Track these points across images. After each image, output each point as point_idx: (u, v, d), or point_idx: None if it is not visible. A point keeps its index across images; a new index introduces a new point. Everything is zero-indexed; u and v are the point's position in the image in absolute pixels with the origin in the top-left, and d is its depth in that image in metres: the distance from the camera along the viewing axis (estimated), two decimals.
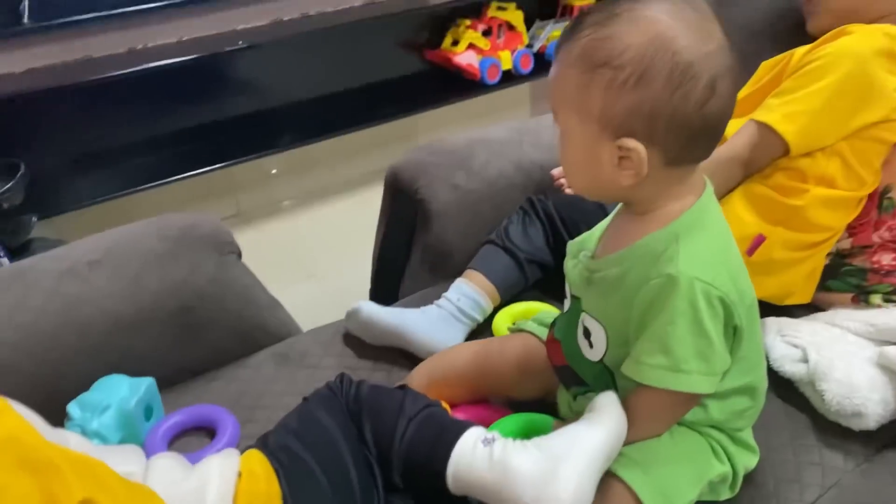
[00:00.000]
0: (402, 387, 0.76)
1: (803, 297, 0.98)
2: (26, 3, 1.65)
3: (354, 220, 2.07)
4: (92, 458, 0.54)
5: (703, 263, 0.62)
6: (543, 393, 0.83)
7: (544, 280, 1.05)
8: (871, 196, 0.96)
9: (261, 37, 1.90)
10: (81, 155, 1.83)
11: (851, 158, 0.93)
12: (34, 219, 1.54)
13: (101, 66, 1.74)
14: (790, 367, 0.84)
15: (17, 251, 1.49)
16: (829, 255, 0.98)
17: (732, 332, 0.65)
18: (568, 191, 1.02)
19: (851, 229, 0.97)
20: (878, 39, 0.91)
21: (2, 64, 1.69)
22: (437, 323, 0.94)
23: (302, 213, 2.12)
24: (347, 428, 0.69)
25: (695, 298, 0.61)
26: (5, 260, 1.45)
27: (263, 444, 0.69)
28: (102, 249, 0.92)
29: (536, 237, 1.03)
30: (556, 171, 1.09)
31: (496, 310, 1.00)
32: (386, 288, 1.18)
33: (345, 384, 0.74)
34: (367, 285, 1.37)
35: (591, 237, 0.74)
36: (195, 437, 0.85)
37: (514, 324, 0.91)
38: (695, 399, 0.66)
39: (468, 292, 0.97)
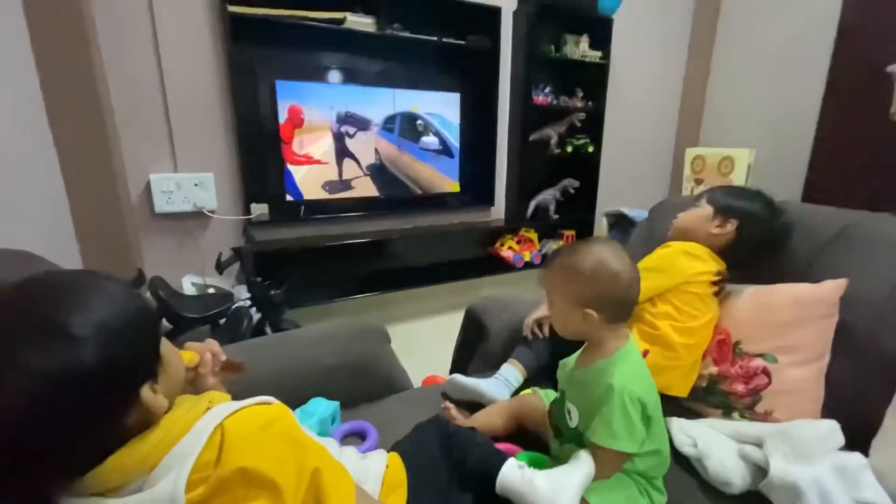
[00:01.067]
0: (472, 427, 0.74)
1: (681, 391, 0.90)
2: (303, 207, 1.83)
3: (440, 330, 2.05)
4: (319, 443, 0.53)
5: (628, 378, 0.62)
6: (543, 430, 0.79)
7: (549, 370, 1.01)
8: (728, 344, 0.90)
9: (407, 233, 1.99)
10: (314, 280, 1.90)
11: (678, 302, 0.90)
12: (287, 309, 1.59)
13: (330, 239, 1.85)
14: (687, 449, 0.79)
15: (275, 326, 1.53)
16: (705, 377, 0.91)
17: (647, 419, 0.63)
18: (528, 334, 0.96)
19: (716, 362, 0.91)
20: (682, 246, 0.93)
21: (286, 233, 1.84)
22: (496, 387, 0.92)
23: (415, 322, 2.12)
24: (441, 447, 0.67)
25: (623, 398, 0.61)
26: (269, 330, 1.50)
27: (396, 449, 0.68)
28: (326, 332, 0.96)
29: (543, 346, 1.00)
30: (526, 323, 0.98)
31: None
32: (460, 369, 1.16)
33: (440, 422, 0.72)
34: (446, 365, 1.34)
35: (571, 360, 0.74)
36: (354, 438, 0.84)
37: (532, 390, 0.89)
38: (627, 455, 0.64)
39: (512, 372, 0.95)
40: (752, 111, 2.38)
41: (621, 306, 0.63)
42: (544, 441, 0.79)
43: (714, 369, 0.92)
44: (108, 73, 1.45)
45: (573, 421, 0.69)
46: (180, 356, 0.51)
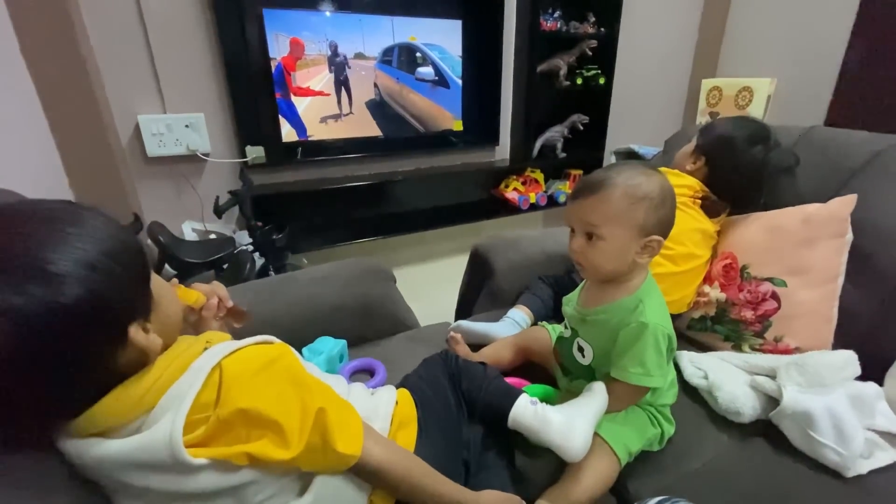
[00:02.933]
0: (482, 363, 0.72)
1: (678, 307, 0.90)
2: (300, 149, 1.76)
3: (443, 272, 2.10)
4: (323, 382, 0.52)
5: (658, 315, 0.60)
6: (550, 363, 0.79)
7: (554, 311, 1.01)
8: (735, 269, 0.88)
9: (408, 175, 1.94)
10: (315, 225, 1.89)
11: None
12: (289, 253, 1.58)
13: (330, 182, 1.81)
14: (696, 381, 0.78)
15: (277, 269, 1.53)
16: (713, 305, 0.89)
17: (670, 352, 0.61)
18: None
19: (723, 287, 0.88)
20: (663, 168, 0.88)
21: (284, 177, 1.80)
22: (505, 329, 0.91)
23: (417, 266, 2.13)
24: (451, 381, 0.66)
25: (657, 336, 0.59)
26: (272, 274, 1.50)
27: (405, 384, 0.67)
28: (328, 271, 0.95)
29: (547, 292, 1.00)
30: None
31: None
32: (465, 309, 1.16)
33: (449, 356, 0.71)
34: (452, 308, 1.35)
35: (572, 297, 0.72)
36: (363, 375, 0.84)
37: (540, 324, 0.88)
38: (647, 390, 0.63)
39: (520, 315, 0.94)
40: (774, 39, 2.20)
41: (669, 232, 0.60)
42: (551, 373, 0.79)
43: (721, 295, 0.89)
44: (84, 9, 1.32)
45: (586, 359, 0.67)
46: (176, 294, 0.48)
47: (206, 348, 0.44)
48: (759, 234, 0.84)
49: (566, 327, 0.72)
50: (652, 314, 0.60)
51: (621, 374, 0.61)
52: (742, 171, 0.89)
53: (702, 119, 2.09)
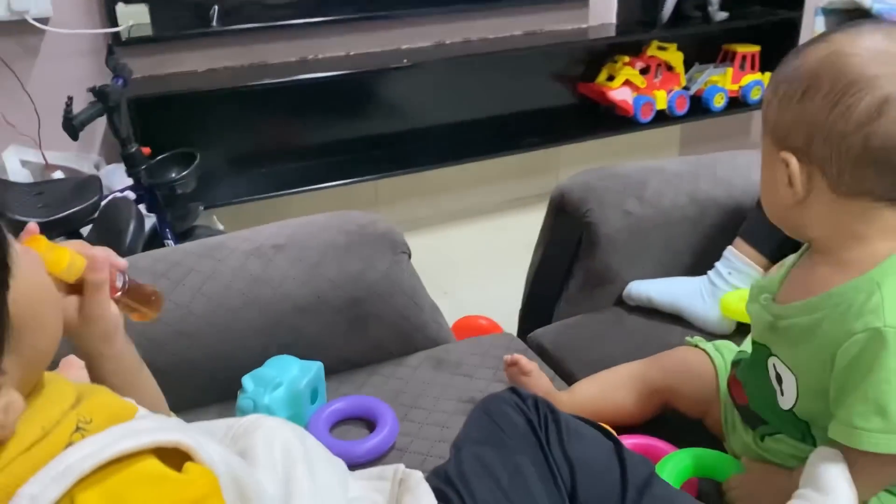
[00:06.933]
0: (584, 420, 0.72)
1: None
2: (216, 8, 1.77)
3: (489, 243, 2.12)
4: None
5: None
6: (700, 408, 0.82)
7: None
8: None
9: (423, 56, 1.96)
10: (245, 154, 1.92)
11: None
12: (201, 207, 1.60)
13: (274, 72, 1.83)
14: None
15: (182, 236, 1.55)
16: None
17: None
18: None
19: None
20: None
21: (188, 62, 1.82)
22: (710, 300, 1.01)
23: (438, 232, 2.15)
24: (542, 454, 0.64)
25: None
26: (171, 242, 1.52)
27: (449, 469, 0.64)
28: (286, 235, 0.96)
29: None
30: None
31: None
32: (539, 309, 1.17)
33: (529, 401, 0.69)
34: (497, 305, 1.37)
35: (773, 280, 0.72)
36: (354, 427, 0.86)
37: (693, 338, 0.89)
38: None
39: (741, 263, 1.00)
40: None
41: (860, 159, 0.60)
42: (710, 429, 0.80)
43: None
44: None
45: (786, 395, 0.68)
46: (50, 283, 0.47)
47: (70, 442, 0.42)
48: None
49: (751, 340, 0.73)
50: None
51: (847, 434, 0.61)
52: None
53: None
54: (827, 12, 2.27)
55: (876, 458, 0.60)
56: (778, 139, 0.64)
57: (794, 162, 0.62)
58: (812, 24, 2.30)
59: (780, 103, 0.63)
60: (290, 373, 0.84)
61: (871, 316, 0.59)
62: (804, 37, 2.29)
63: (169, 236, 1.53)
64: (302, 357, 0.87)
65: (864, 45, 0.59)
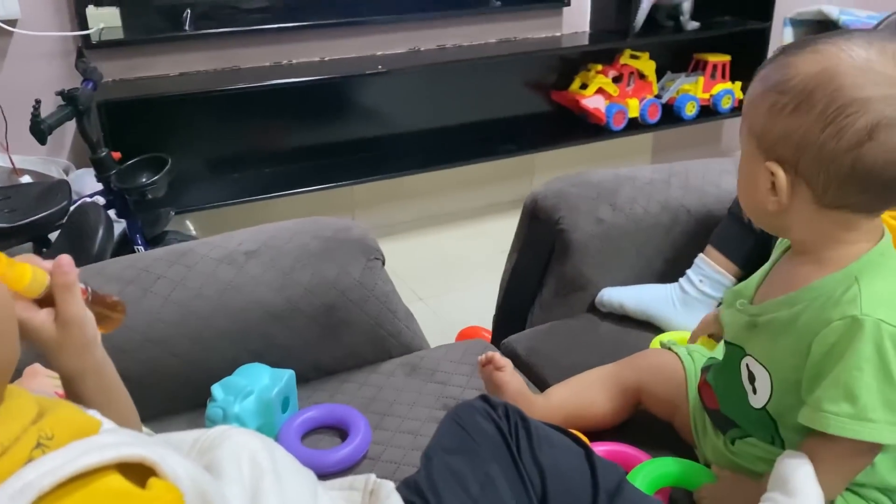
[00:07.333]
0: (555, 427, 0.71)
1: None
2: (189, 11, 1.77)
3: (464, 248, 2.12)
4: None
5: (887, 305, 0.60)
6: (673, 413, 0.82)
7: None
8: None
9: (398, 62, 1.96)
10: (218, 158, 1.92)
11: None
12: (172, 212, 1.60)
13: (247, 76, 1.83)
14: None
15: (153, 241, 1.55)
16: None
17: None
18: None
19: None
20: None
21: (160, 65, 1.81)
22: (684, 303, 1.01)
23: (413, 238, 2.15)
24: (513, 463, 0.64)
25: (882, 343, 0.59)
26: (141, 248, 1.52)
27: (419, 478, 0.63)
28: (259, 241, 0.96)
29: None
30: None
31: None
32: (512, 315, 1.17)
33: (499, 409, 0.68)
34: (473, 311, 1.37)
35: (748, 286, 0.73)
36: (327, 436, 0.86)
37: (666, 341, 0.89)
38: (874, 452, 0.63)
39: (712, 271, 1.01)
40: None
41: (847, 177, 0.61)
42: (681, 434, 0.80)
43: None
44: None
45: (759, 394, 0.68)
46: (10, 310, 0.47)
47: (30, 458, 0.42)
48: None
49: (723, 343, 0.74)
50: (872, 303, 0.60)
51: (814, 417, 0.62)
52: None
53: None
54: (795, 23, 2.32)
55: (841, 446, 0.61)
56: (765, 148, 0.64)
57: (781, 174, 0.62)
58: (781, 34, 2.34)
59: (769, 112, 0.63)
60: (260, 381, 0.84)
61: (848, 305, 0.61)
62: (773, 46, 2.32)
63: (139, 242, 1.53)
64: (274, 365, 0.87)
65: (857, 65, 0.59)
